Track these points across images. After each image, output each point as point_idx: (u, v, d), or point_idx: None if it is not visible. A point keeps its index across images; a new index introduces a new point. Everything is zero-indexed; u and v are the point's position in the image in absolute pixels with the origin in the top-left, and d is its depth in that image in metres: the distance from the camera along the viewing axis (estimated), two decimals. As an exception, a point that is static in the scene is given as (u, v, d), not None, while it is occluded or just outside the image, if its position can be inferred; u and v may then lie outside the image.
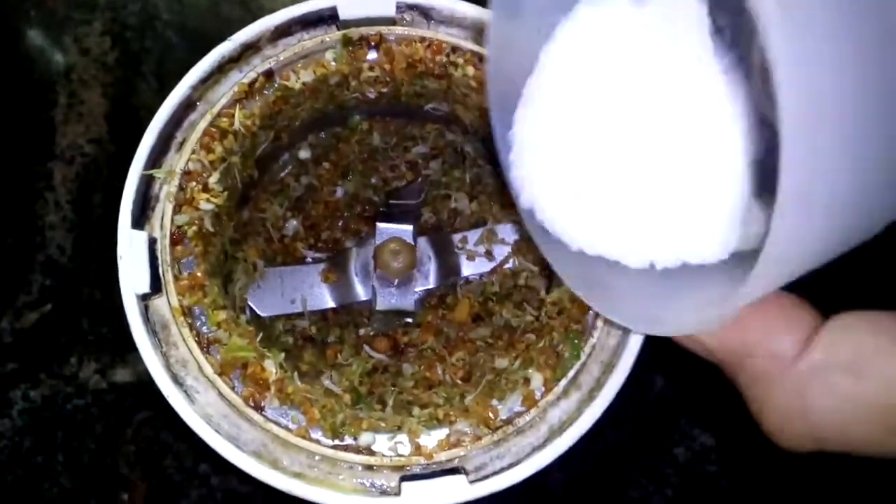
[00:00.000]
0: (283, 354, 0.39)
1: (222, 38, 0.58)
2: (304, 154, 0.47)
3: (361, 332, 0.47)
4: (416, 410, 0.42)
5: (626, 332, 0.38)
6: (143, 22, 0.58)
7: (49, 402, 0.52)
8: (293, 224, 0.47)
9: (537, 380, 0.37)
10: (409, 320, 0.46)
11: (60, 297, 0.54)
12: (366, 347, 0.46)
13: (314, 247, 0.48)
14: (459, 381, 0.45)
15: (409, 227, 0.45)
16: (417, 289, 0.47)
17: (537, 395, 0.37)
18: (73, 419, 0.52)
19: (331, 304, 0.46)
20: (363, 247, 0.47)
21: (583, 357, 0.38)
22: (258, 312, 0.45)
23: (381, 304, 0.46)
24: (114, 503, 0.51)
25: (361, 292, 0.46)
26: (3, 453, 0.51)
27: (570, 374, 0.38)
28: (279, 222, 0.47)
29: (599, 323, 0.38)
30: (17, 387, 0.52)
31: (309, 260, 0.47)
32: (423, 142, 0.49)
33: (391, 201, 0.47)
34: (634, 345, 0.38)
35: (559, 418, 0.38)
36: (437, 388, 0.45)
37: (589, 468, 0.53)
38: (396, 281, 0.45)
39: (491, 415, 0.37)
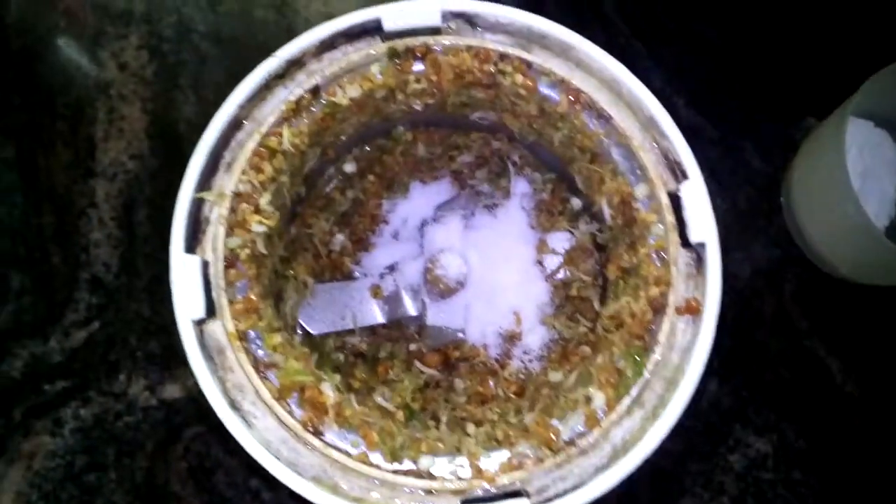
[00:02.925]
0: (338, 377, 0.38)
1: (257, 46, 0.58)
2: (349, 167, 0.46)
3: (412, 347, 0.46)
4: (470, 428, 0.41)
5: (689, 347, 0.37)
6: (179, 34, 0.58)
7: (100, 420, 0.52)
8: (340, 239, 0.47)
9: (599, 399, 0.36)
10: (461, 335, 0.45)
11: (108, 315, 0.53)
12: (417, 363, 0.45)
13: (361, 261, 0.47)
14: (513, 395, 0.45)
15: (458, 241, 0.44)
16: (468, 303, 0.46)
17: (600, 414, 0.36)
18: (123, 436, 0.52)
19: (381, 319, 0.46)
20: (412, 260, 0.46)
21: (646, 374, 0.37)
22: (309, 330, 0.44)
23: (432, 320, 0.45)
24: (166, 520, 0.50)
25: (411, 307, 0.45)
26: (56, 472, 0.51)
27: (633, 392, 0.36)
28: (326, 237, 0.47)
29: (662, 338, 0.37)
30: (67, 405, 0.52)
31: (357, 275, 0.47)
32: (468, 151, 0.48)
33: (439, 213, 0.46)
34: (699, 360, 0.37)
35: (622, 437, 0.37)
36: (490, 404, 0.44)
37: (641, 476, 0.52)
38: (446, 295, 0.45)
39: (552, 436, 0.36)
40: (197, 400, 0.53)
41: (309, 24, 0.58)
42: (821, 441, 0.52)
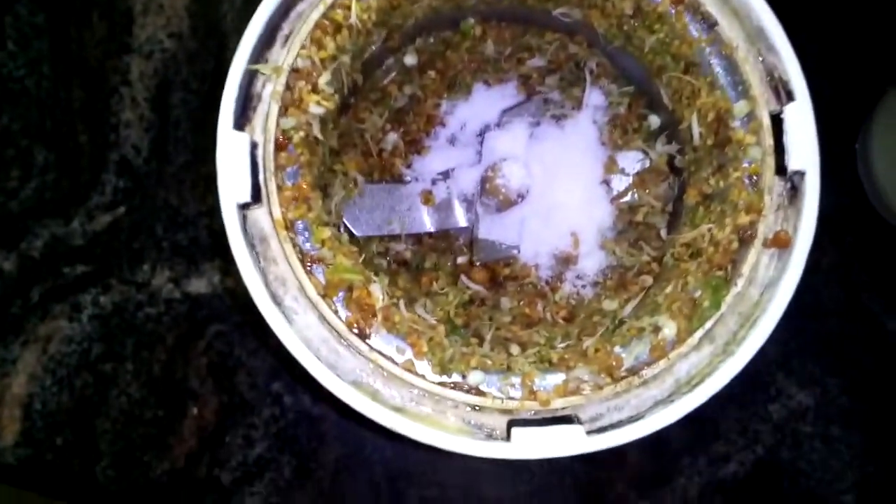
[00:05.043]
0: (386, 280, 0.35)
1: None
2: (409, 60, 0.42)
3: (460, 260, 0.43)
4: (514, 348, 0.38)
5: (772, 283, 0.34)
6: None
7: (120, 308, 0.50)
8: (392, 137, 0.43)
9: (670, 329, 0.34)
10: (515, 252, 0.42)
11: (134, 200, 0.51)
12: (463, 277, 0.43)
13: (413, 164, 0.44)
14: (561, 321, 0.42)
15: (522, 150, 0.41)
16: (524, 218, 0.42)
17: (668, 345, 0.34)
18: (143, 328, 0.50)
19: (429, 227, 0.42)
20: (469, 168, 0.42)
21: (723, 307, 0.34)
22: (353, 231, 0.41)
23: (483, 233, 0.42)
24: (183, 416, 0.49)
25: (462, 218, 0.42)
26: (71, 357, 0.49)
27: (708, 324, 0.34)
28: (378, 134, 0.43)
29: (745, 270, 0.34)
30: (87, 291, 0.50)
31: (407, 179, 0.43)
32: (541, 54, 0.44)
33: (504, 118, 0.42)
34: (783, 298, 0.33)
35: (687, 371, 0.34)
36: (537, 327, 0.41)
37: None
38: (502, 208, 0.41)
39: (614, 363, 0.33)
40: (223, 297, 0.50)
41: None
42: (864, 399, 0.50)
